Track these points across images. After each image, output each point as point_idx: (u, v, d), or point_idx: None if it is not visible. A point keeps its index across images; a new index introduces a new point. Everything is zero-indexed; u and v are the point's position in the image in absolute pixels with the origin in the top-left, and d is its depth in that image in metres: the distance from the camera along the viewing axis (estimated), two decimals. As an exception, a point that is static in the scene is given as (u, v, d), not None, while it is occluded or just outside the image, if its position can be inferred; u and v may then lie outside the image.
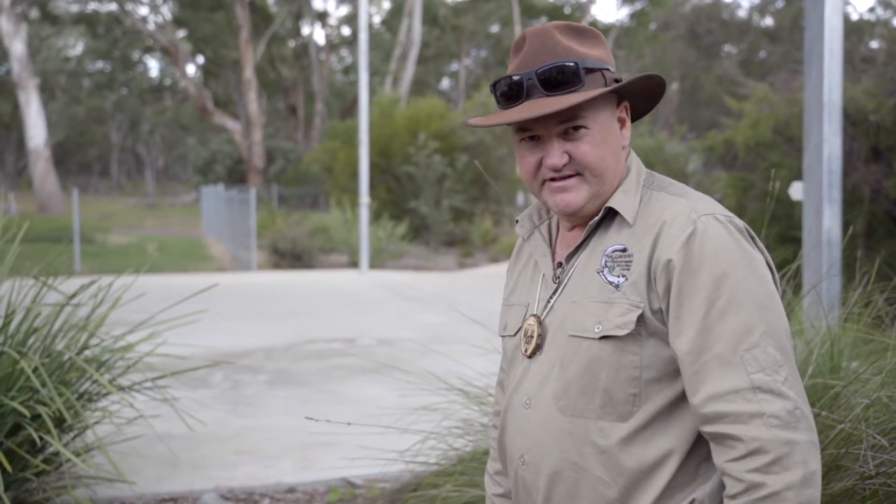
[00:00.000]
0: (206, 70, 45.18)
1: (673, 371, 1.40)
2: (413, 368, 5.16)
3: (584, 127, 1.44)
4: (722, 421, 1.32)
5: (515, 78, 1.45)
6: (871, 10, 28.24)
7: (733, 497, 1.32)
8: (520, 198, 27.29)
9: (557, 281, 1.53)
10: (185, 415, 4.06)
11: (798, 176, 8.79)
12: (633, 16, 39.32)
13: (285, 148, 37.55)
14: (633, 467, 1.40)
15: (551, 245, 1.59)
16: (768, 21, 20.07)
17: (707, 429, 1.34)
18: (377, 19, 43.49)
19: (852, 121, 8.73)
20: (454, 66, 46.99)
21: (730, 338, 1.33)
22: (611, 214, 1.49)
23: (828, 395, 2.72)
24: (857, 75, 9.94)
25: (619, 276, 1.43)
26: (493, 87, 1.48)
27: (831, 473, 2.47)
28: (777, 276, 1.45)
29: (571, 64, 1.42)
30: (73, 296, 3.76)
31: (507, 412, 1.57)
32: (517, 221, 1.64)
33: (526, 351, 1.52)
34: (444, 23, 39.54)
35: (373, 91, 25.33)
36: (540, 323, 1.51)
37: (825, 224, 5.03)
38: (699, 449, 1.41)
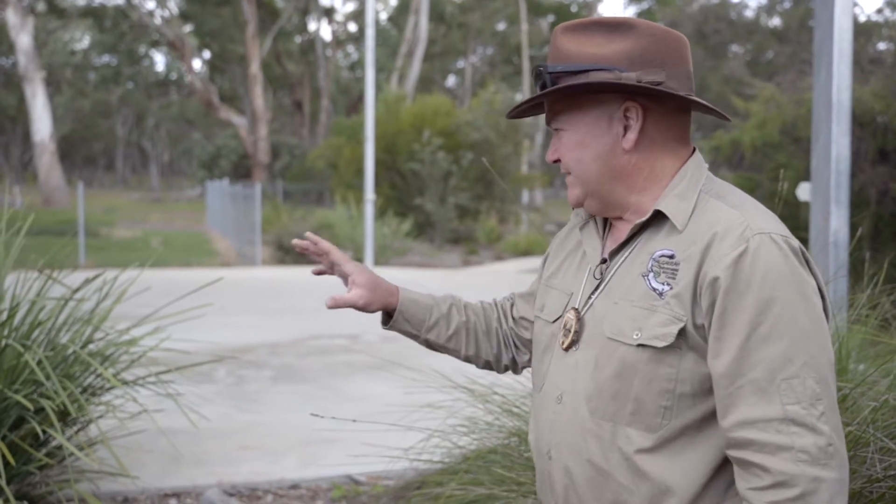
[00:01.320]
0: (212, 65, 45.21)
1: (708, 388, 1.36)
2: (417, 366, 5.15)
3: (562, 129, 1.48)
4: (749, 448, 1.28)
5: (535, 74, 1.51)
6: (880, 11, 28.17)
7: None
8: (525, 196, 27.27)
9: (600, 277, 1.49)
10: (189, 410, 4.05)
11: (804, 177, 8.76)
12: (640, 15, 39.24)
13: (290, 144, 37.56)
14: (657, 479, 1.37)
15: (602, 238, 1.55)
16: (776, 21, 20.02)
17: (733, 453, 1.31)
18: (384, 16, 43.47)
19: (859, 122, 8.70)
20: (460, 64, 46.96)
21: (768, 365, 1.29)
22: (660, 217, 1.44)
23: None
24: (865, 76, 9.90)
25: (663, 284, 1.38)
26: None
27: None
28: (828, 302, 1.39)
29: (541, 68, 1.47)
30: (78, 289, 3.76)
31: (538, 404, 1.56)
32: (574, 208, 1.63)
33: (563, 343, 1.50)
34: (451, 20, 39.51)
35: (379, 88, 25.30)
36: (579, 318, 1.48)
37: (832, 225, 5.00)
38: (727, 469, 1.37)
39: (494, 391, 3.53)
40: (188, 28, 39.20)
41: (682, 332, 1.35)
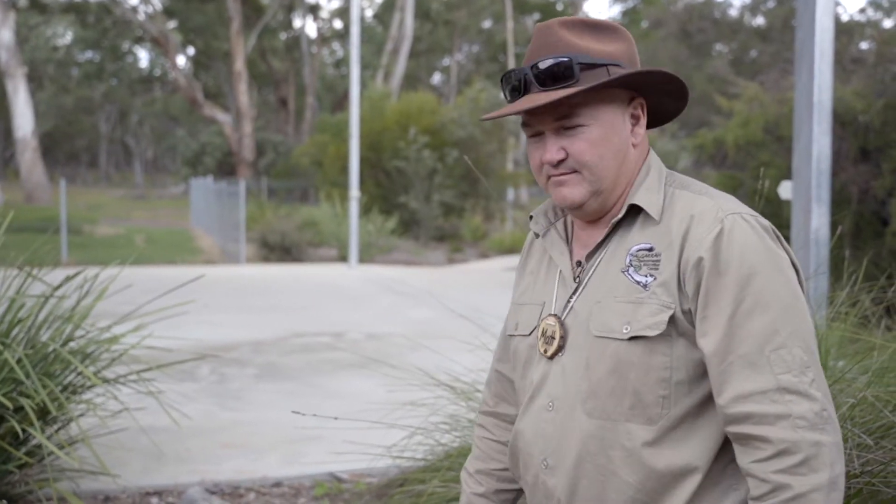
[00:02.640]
0: (196, 61, 45.00)
1: (702, 373, 1.38)
2: (401, 364, 5.16)
3: (582, 124, 1.42)
4: (748, 422, 1.31)
5: (516, 73, 1.45)
6: (862, 10, 28.36)
7: (758, 499, 1.30)
8: (510, 194, 27.29)
9: (578, 280, 1.49)
10: (171, 408, 4.04)
11: (787, 175, 8.81)
12: (625, 13, 39.33)
13: (275, 141, 37.44)
14: (662, 471, 1.38)
15: (568, 242, 1.56)
16: (759, 20, 20.12)
17: (732, 429, 1.33)
18: (369, 13, 43.37)
19: (841, 121, 8.76)
20: (446, 62, 46.93)
21: (756, 338, 1.32)
22: (633, 212, 1.46)
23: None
24: (847, 76, 9.96)
25: (646, 276, 1.40)
26: (502, 81, 1.49)
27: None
28: (802, 275, 1.43)
29: (565, 59, 1.41)
30: (58, 287, 3.73)
31: (526, 415, 1.53)
32: (531, 217, 1.62)
33: (546, 352, 1.49)
34: (437, 17, 39.47)
35: (364, 85, 25.24)
36: (561, 323, 1.48)
37: (813, 223, 5.04)
38: (728, 452, 1.39)
39: (477, 389, 3.54)
40: (172, 24, 38.98)
41: (671, 320, 1.37)
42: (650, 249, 1.41)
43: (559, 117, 1.43)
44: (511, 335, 1.62)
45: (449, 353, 4.08)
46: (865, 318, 3.68)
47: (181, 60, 41.68)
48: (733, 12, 19.91)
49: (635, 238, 1.44)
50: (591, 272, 1.48)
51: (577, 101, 1.42)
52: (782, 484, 1.27)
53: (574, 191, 1.45)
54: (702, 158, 11.63)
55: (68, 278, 3.81)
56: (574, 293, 1.49)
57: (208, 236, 21.77)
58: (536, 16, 41.19)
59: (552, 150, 1.44)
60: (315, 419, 3.19)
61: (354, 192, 15.70)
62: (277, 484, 4.24)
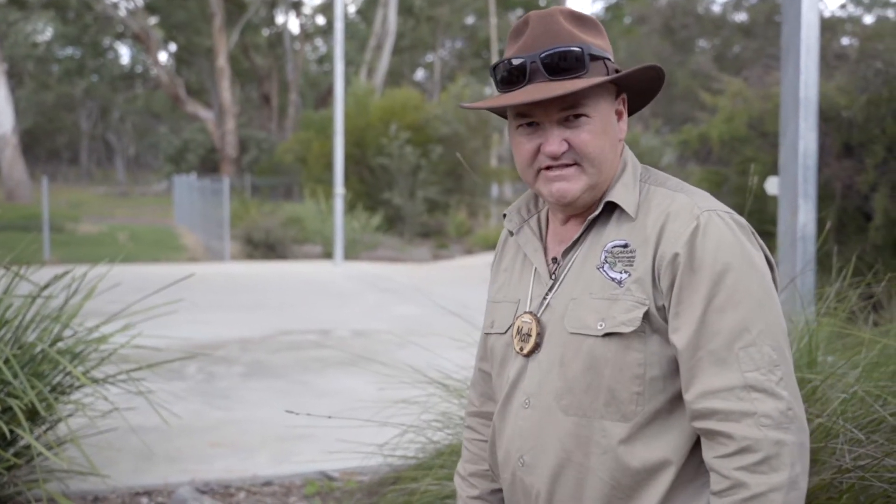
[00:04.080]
0: (178, 58, 44.72)
1: (675, 369, 1.39)
2: (390, 361, 5.14)
3: (586, 115, 1.42)
4: (712, 418, 1.31)
5: (517, 61, 1.42)
6: (843, 6, 28.54)
7: (718, 494, 1.30)
8: (494, 189, 27.30)
9: (554, 277, 1.49)
10: (160, 407, 4.01)
11: (772, 171, 8.84)
12: (608, 9, 39.40)
13: (259, 137, 37.28)
14: (638, 467, 1.38)
15: (542, 239, 1.55)
16: (742, 16, 20.21)
17: (698, 425, 1.34)
18: (352, 9, 43.24)
19: (825, 117, 8.80)
20: (429, 58, 46.86)
21: (726, 335, 1.32)
22: (609, 209, 1.46)
23: (805, 389, 2.74)
24: (830, 72, 10.02)
25: (621, 273, 1.40)
26: (493, 69, 1.46)
27: (809, 467, 2.48)
28: (777, 273, 1.43)
29: (577, 49, 1.40)
30: (46, 286, 3.70)
31: (503, 413, 1.53)
32: (504, 216, 1.61)
33: (522, 349, 1.48)
34: (420, 13, 39.40)
35: (347, 81, 25.16)
36: (537, 321, 1.48)
37: (800, 219, 5.06)
38: (698, 450, 1.39)
39: (468, 386, 3.53)
40: (153, 20, 38.71)
41: (646, 316, 1.37)
42: (625, 246, 1.41)
43: (565, 108, 1.41)
44: (487, 333, 1.62)
45: (438, 350, 4.07)
46: (853, 314, 3.70)
47: (163, 57, 41.42)
48: (716, 8, 20.02)
49: (611, 235, 1.44)
50: (566, 269, 1.47)
51: (584, 93, 1.41)
52: (740, 482, 1.27)
53: (573, 185, 1.44)
54: (686, 154, 11.68)
55: (57, 277, 3.78)
56: (550, 290, 1.48)
57: (192, 234, 21.66)
58: (519, 12, 41.18)
59: (555, 141, 1.41)
60: (304, 417, 3.18)
61: (339, 188, 15.65)
62: (268, 483, 4.22)
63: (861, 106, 8.83)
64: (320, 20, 44.27)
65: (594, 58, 1.42)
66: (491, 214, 24.72)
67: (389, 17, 32.23)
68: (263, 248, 17.10)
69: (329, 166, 20.55)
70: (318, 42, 48.11)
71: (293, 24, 47.74)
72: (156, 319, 4.18)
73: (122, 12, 34.89)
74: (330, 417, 2.97)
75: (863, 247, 8.61)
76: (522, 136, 1.46)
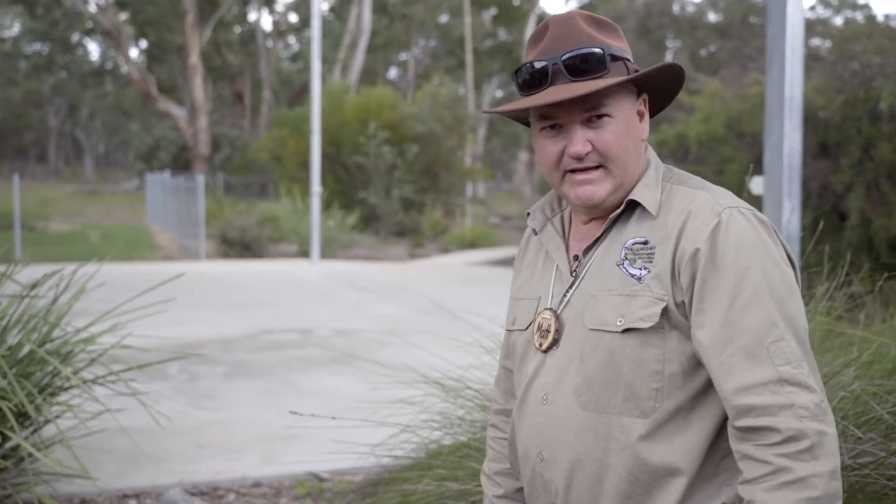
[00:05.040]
0: (149, 54, 44.24)
1: (695, 366, 1.39)
2: (372, 360, 5.12)
3: (608, 115, 1.42)
4: (751, 414, 1.31)
5: (539, 64, 1.43)
6: (812, 8, 28.89)
7: (753, 481, 1.29)
8: (469, 189, 27.32)
9: (574, 274, 1.50)
10: (145, 408, 3.95)
11: (749, 170, 8.94)
12: (583, 8, 39.55)
13: (231, 135, 37.03)
14: (656, 464, 1.38)
15: (565, 237, 1.56)
16: (718, 17, 20.37)
17: (737, 423, 1.33)
18: (325, 6, 43.06)
19: (802, 117, 8.90)
20: (403, 56, 46.79)
21: (755, 330, 1.32)
22: (630, 207, 1.47)
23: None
24: (807, 73, 10.14)
25: (640, 269, 1.41)
26: (515, 74, 1.46)
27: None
28: (798, 270, 1.44)
29: (598, 50, 1.41)
30: (35, 286, 3.64)
31: (522, 409, 1.54)
32: (528, 214, 1.62)
33: (541, 345, 1.49)
34: (394, 11, 39.33)
35: (322, 79, 25.07)
36: (557, 317, 1.48)
37: (784, 218, 5.10)
38: (720, 444, 1.40)
39: (446, 385, 3.51)
40: (124, 16, 38.28)
41: (664, 312, 1.38)
42: (645, 243, 1.42)
43: (588, 108, 1.42)
44: (510, 330, 1.64)
45: (421, 349, 4.06)
46: (840, 312, 3.74)
47: (134, 53, 41.00)
48: (691, 9, 20.17)
49: (631, 232, 1.45)
50: (587, 266, 1.49)
51: (605, 93, 1.42)
52: (783, 467, 1.27)
53: (599, 188, 1.44)
54: (663, 154, 11.75)
55: (47, 276, 3.72)
56: (570, 287, 1.49)
57: (165, 232, 21.46)
58: (493, 11, 41.24)
59: (579, 142, 1.42)
60: (291, 418, 3.16)
61: (316, 187, 15.58)
62: (257, 484, 4.19)
63: (838, 106, 8.95)
64: (293, 18, 44.07)
65: (615, 58, 1.43)
66: (466, 214, 24.73)
67: (364, 15, 32.13)
68: (239, 246, 16.98)
69: (304, 164, 20.43)
70: (292, 39, 47.89)
71: (266, 22, 47.47)
72: (136, 319, 4.12)
73: (92, 8, 34.47)
74: (334, 418, 2.94)
75: (838, 246, 8.71)
76: (546, 138, 1.46)
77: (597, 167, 1.44)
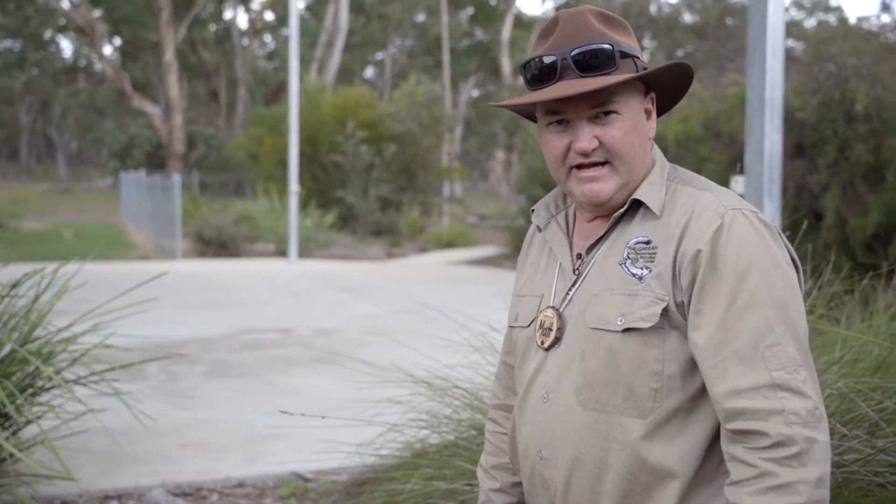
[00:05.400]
0: (124, 52, 43.84)
1: (693, 367, 1.39)
2: (353, 359, 5.10)
3: (616, 112, 1.42)
4: (741, 417, 1.31)
5: (548, 59, 1.42)
6: (786, 10, 29.12)
7: (740, 483, 1.29)
8: (446, 188, 27.32)
9: (577, 273, 1.50)
10: (125, 408, 3.92)
11: (726, 170, 8.99)
12: (558, 8, 39.67)
13: (206, 134, 36.79)
14: (655, 464, 1.38)
15: (568, 235, 1.56)
16: (693, 18, 20.50)
17: (728, 426, 1.33)
18: (301, 4, 42.88)
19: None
20: (380, 55, 46.71)
21: (751, 334, 1.32)
22: (634, 206, 1.47)
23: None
24: (783, 74, 10.23)
25: (642, 269, 1.41)
26: (524, 67, 1.45)
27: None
28: (802, 272, 1.44)
29: (608, 46, 1.40)
30: (16, 285, 3.59)
31: (522, 407, 1.53)
32: (533, 211, 1.61)
33: (543, 343, 1.49)
34: (371, 10, 39.24)
35: (299, 78, 24.96)
36: (559, 315, 1.48)
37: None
38: (718, 447, 1.39)
39: (429, 383, 3.50)
40: (98, 13, 37.90)
41: (664, 312, 1.37)
42: (647, 242, 1.42)
43: (596, 104, 1.41)
44: (512, 326, 1.63)
45: (401, 347, 4.05)
46: (822, 311, 3.78)
47: (108, 51, 40.58)
48: (668, 9, 20.28)
49: (634, 231, 1.45)
50: (590, 265, 1.48)
51: (614, 90, 1.41)
52: (769, 471, 1.27)
53: (606, 186, 1.44)
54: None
55: (27, 276, 3.67)
56: (573, 285, 1.49)
57: (141, 231, 21.28)
58: (470, 10, 41.28)
59: (586, 138, 1.41)
60: (273, 417, 3.13)
61: (294, 186, 15.50)
62: (240, 484, 4.16)
63: (814, 108, 9.03)
64: (269, 16, 43.85)
65: (624, 55, 1.43)
66: (443, 213, 24.72)
67: (340, 14, 32.03)
68: (215, 245, 16.86)
69: (281, 163, 20.32)
70: (267, 38, 47.65)
71: (242, 20, 47.15)
72: (117, 319, 4.07)
73: (65, 4, 34.11)
74: (324, 417, 2.92)
75: (815, 246, 8.80)
76: (552, 133, 1.45)
77: (603, 164, 1.43)
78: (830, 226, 8.99)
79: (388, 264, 16.29)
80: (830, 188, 9.08)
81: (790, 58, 10.85)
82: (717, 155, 10.23)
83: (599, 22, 1.44)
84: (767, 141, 5.14)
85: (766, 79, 5.10)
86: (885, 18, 19.05)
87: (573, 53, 1.40)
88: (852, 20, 24.11)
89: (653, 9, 19.45)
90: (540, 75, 1.43)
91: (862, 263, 7.91)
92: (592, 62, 1.40)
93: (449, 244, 19.37)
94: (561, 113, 1.43)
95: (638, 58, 1.46)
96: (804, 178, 9.32)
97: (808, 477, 1.26)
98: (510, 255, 15.69)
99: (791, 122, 9.22)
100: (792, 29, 19.56)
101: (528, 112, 1.55)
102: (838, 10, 29.81)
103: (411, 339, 4.31)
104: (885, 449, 2.42)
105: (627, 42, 1.45)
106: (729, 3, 19.63)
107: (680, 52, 19.02)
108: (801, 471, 1.26)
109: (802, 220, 9.37)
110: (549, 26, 1.46)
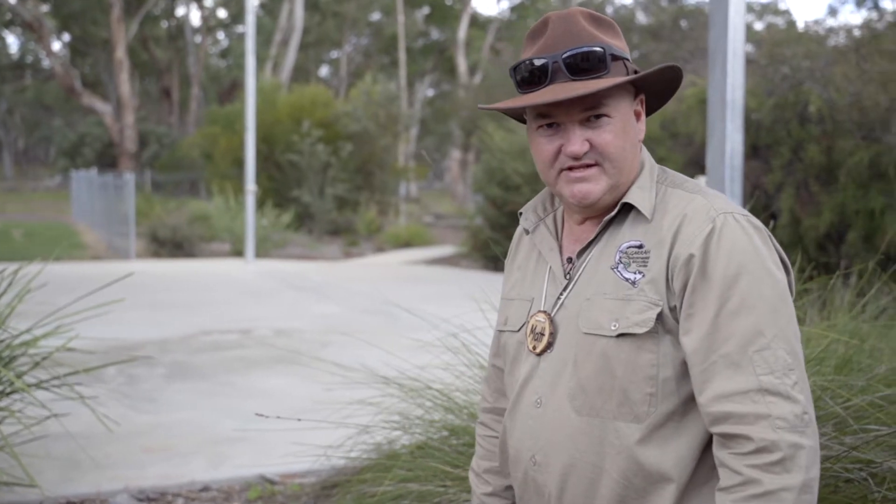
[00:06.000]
0: (73, 48, 43.01)
1: (687, 371, 1.38)
2: (317, 359, 5.05)
3: (607, 115, 1.41)
4: (727, 421, 1.31)
5: (539, 62, 1.41)
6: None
7: (727, 489, 1.30)
8: (402, 188, 27.27)
9: (568, 277, 1.49)
10: (86, 412, 3.83)
11: (683, 170, 9.09)
12: (513, 9, 39.84)
13: (159, 132, 36.28)
14: (651, 468, 1.38)
15: (558, 238, 1.54)
16: (647, 19, 20.71)
17: (714, 429, 1.33)
18: (255, 2, 42.48)
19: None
20: (334, 54, 46.44)
21: (740, 338, 1.32)
22: (625, 210, 1.46)
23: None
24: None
25: (635, 273, 1.40)
26: (513, 70, 1.44)
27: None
28: (793, 276, 1.44)
29: (599, 49, 1.39)
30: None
31: (514, 412, 1.52)
32: (520, 214, 1.60)
33: (535, 348, 1.48)
34: (326, 9, 39.00)
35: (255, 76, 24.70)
36: (551, 320, 1.47)
37: (726, 218, 5.21)
38: (711, 451, 1.40)
39: (400, 382, 3.49)
40: (46, 8, 37.11)
41: (659, 317, 1.37)
42: (640, 247, 1.42)
43: (587, 108, 1.40)
44: (501, 330, 1.61)
45: (361, 347, 4.02)
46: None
47: (57, 47, 39.76)
48: (624, 11, 20.44)
49: (626, 235, 1.44)
50: (581, 269, 1.47)
51: (605, 93, 1.40)
52: (753, 478, 1.27)
53: (595, 186, 1.43)
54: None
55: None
56: (564, 290, 1.48)
57: (92, 231, 20.90)
58: (426, 10, 41.24)
59: (577, 142, 1.40)
60: (236, 420, 3.09)
61: (251, 185, 15.33)
62: (206, 488, 4.10)
63: (769, 109, 9.19)
64: (222, 13, 43.34)
65: (615, 58, 1.42)
66: (400, 212, 24.67)
67: (295, 12, 31.79)
68: (170, 245, 16.62)
69: (236, 162, 20.12)
70: (221, 35, 47.09)
71: (195, 17, 46.53)
72: (77, 322, 3.98)
73: (12, -1, 33.33)
74: (299, 420, 2.88)
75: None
76: (543, 136, 1.44)
77: (593, 165, 1.42)
78: (785, 225, 9.16)
79: (346, 264, 16.21)
80: (785, 188, 9.25)
81: (747, 60, 11.04)
82: (675, 155, 10.36)
83: (590, 24, 1.43)
84: (729, 142, 5.20)
85: (727, 80, 5.16)
86: (831, 22, 19.44)
87: (564, 56, 1.39)
88: (800, 24, 24.59)
89: (609, 10, 19.62)
90: (530, 78, 1.42)
91: (815, 262, 8.07)
92: (584, 65, 1.39)
93: (406, 244, 19.34)
94: (551, 116, 1.42)
95: (628, 59, 1.45)
96: (759, 179, 9.49)
97: (791, 483, 1.26)
98: (468, 255, 15.70)
99: (747, 123, 9.37)
100: (749, 33, 19.84)
101: (517, 113, 1.54)
102: (787, 13, 30.40)
103: (375, 339, 4.27)
104: (857, 447, 2.45)
105: (617, 44, 1.45)
106: (683, 5, 19.88)
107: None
108: (786, 477, 1.27)
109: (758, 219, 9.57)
110: (539, 28, 1.45)
